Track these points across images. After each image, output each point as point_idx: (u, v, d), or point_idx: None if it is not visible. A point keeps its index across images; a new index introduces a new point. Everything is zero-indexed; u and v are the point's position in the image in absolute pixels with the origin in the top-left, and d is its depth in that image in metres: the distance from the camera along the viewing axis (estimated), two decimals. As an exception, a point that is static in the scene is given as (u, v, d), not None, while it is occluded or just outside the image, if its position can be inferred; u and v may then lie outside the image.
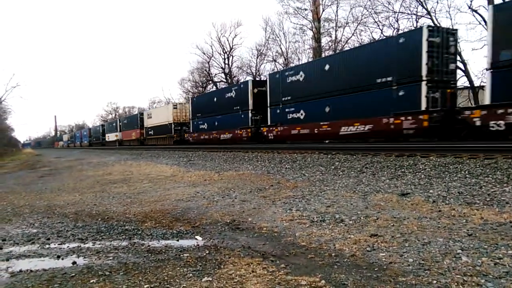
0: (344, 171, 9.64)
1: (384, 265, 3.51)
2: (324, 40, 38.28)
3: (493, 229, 4.32)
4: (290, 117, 21.22)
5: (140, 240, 4.88)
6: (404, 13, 27.14)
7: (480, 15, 23.25)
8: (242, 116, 25.23)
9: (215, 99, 29.31)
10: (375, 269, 3.42)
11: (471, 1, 23.53)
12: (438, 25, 21.20)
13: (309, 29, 38.31)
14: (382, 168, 9.28)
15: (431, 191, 6.68)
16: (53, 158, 34.37)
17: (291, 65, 38.05)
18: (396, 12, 27.64)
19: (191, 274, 3.52)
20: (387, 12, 28.54)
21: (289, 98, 21.23)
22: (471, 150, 9.93)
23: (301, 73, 20.45)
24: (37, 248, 4.74)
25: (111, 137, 52.97)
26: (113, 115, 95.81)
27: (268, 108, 22.95)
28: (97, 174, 15.07)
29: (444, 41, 14.47)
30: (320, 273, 3.40)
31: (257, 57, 45.79)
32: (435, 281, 3.06)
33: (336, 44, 36.23)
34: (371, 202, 6.22)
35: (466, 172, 7.75)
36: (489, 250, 3.65)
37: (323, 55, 34.89)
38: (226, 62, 49.29)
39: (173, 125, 35.80)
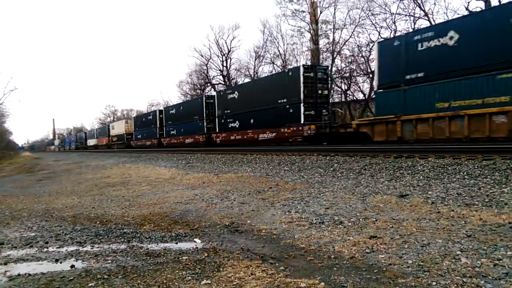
0: (343, 173, 9.64)
1: (383, 267, 3.50)
2: (322, 42, 38.36)
3: (492, 230, 4.32)
4: (230, 126, 26.56)
5: (139, 243, 4.86)
6: (402, 14, 27.25)
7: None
8: (200, 124, 30.46)
9: (181, 108, 35.11)
10: (375, 271, 3.42)
11: (468, 3, 23.58)
12: (311, 63, 26.32)
13: (307, 31, 38.41)
14: (380, 170, 9.28)
15: (430, 192, 6.68)
16: (51, 161, 34.30)
17: (289, 66, 38.20)
18: (394, 14, 27.75)
19: (190, 277, 3.51)
20: (385, 14, 28.66)
21: (229, 111, 26.69)
22: (469, 151, 9.94)
23: (236, 92, 26.24)
24: (35, 252, 4.72)
25: (91, 142, 65.45)
26: (111, 118, 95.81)
27: (216, 119, 28.18)
28: (96, 177, 15.04)
29: (316, 75, 20.11)
30: (319, 275, 3.39)
31: (255, 59, 45.87)
32: (434, 283, 3.06)
33: (334, 46, 36.31)
34: (370, 203, 6.22)
35: (465, 173, 7.75)
36: (488, 251, 3.65)
37: (320, 57, 34.96)
38: (224, 64, 49.36)
39: (125, 135, 48.05)
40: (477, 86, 12.31)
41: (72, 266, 4.03)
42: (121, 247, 4.71)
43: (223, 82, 48.91)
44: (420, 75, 14.09)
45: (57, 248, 4.85)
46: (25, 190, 12.12)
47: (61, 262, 4.23)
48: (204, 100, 30.23)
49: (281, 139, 21.53)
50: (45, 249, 4.81)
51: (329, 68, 24.40)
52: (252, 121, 24.07)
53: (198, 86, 52.12)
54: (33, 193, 11.10)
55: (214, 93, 32.70)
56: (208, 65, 50.21)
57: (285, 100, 20.98)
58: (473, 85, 12.40)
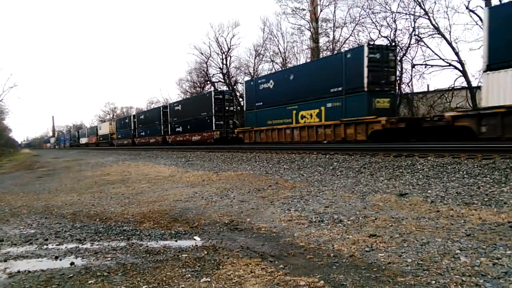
0: (343, 172, 9.64)
1: (382, 266, 3.51)
2: (322, 41, 38.29)
3: (491, 229, 4.33)
4: (176, 130, 34.53)
5: (139, 241, 4.87)
6: (402, 13, 27.14)
7: (477, 15, 23.26)
8: (159, 127, 38.62)
9: (186, 104, 38.22)
10: (374, 270, 3.42)
11: (468, 2, 23.51)
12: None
13: (307, 29, 38.33)
14: (380, 169, 9.29)
15: (429, 191, 6.69)
16: (50, 159, 34.28)
17: (289, 65, 38.18)
18: (394, 13, 27.65)
19: (189, 275, 3.52)
20: (385, 12, 28.55)
21: (176, 119, 34.59)
22: (469, 150, 9.94)
23: (180, 105, 34.54)
24: (35, 249, 4.72)
25: (83, 140, 72.82)
26: (111, 115, 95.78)
27: (169, 124, 36.14)
28: (95, 175, 15.04)
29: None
30: (319, 274, 3.40)
31: (255, 57, 45.75)
32: (434, 281, 3.06)
33: (334, 44, 36.25)
34: (369, 202, 6.23)
35: (464, 172, 7.76)
36: (488, 250, 3.66)
37: (321, 55, 34.92)
38: (224, 62, 49.23)
39: (109, 135, 55.94)
40: (280, 112, 21.90)
41: (72, 263, 4.04)
42: (121, 245, 4.71)
43: (222, 80, 48.83)
44: (261, 103, 23.90)
45: (56, 245, 4.86)
46: (24, 187, 12.12)
47: (60, 259, 4.24)
48: (161, 110, 36.74)
49: (205, 141, 28.92)
50: (45, 246, 4.82)
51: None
52: (188, 127, 31.90)
53: (198, 84, 52.02)
54: (32, 190, 11.10)
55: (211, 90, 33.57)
56: (208, 63, 50.11)
57: (204, 113, 27.95)
58: (278, 112, 22.02)
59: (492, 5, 22.63)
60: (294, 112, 20.92)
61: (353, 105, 17.13)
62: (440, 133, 15.36)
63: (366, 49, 16.45)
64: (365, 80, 16.34)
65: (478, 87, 24.48)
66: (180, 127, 34.03)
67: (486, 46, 12.71)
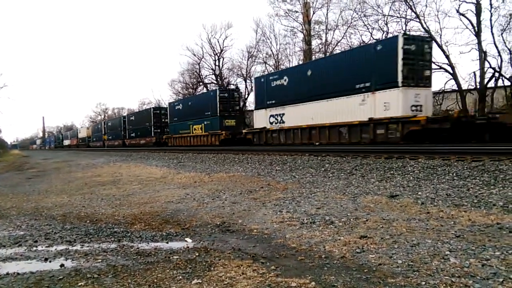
0: (334, 173, 9.68)
1: (373, 267, 3.52)
2: (315, 43, 38.46)
3: (480, 231, 4.37)
4: (131, 135, 44.55)
5: (129, 243, 4.84)
6: (394, 16, 27.37)
7: (467, 18, 23.55)
8: (121, 133, 48.56)
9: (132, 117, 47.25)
10: (365, 271, 3.44)
11: (459, 6, 23.76)
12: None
13: (300, 31, 38.48)
14: (371, 170, 9.34)
15: (419, 193, 6.74)
16: (40, 160, 33.94)
17: (282, 67, 38.27)
18: (386, 16, 27.87)
19: (181, 277, 3.50)
20: (377, 15, 28.76)
21: (131, 126, 44.67)
22: (459, 152, 10.04)
23: (133, 116, 44.12)
24: (24, 251, 4.67)
25: (66, 142, 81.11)
26: (102, 116, 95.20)
27: (127, 130, 45.85)
28: (86, 176, 14.92)
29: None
30: (310, 275, 3.41)
31: (248, 59, 45.78)
32: (424, 282, 3.09)
33: (326, 46, 36.42)
34: (360, 204, 6.26)
35: (454, 174, 7.83)
36: (477, 252, 3.69)
37: (313, 58, 35.03)
38: (217, 63, 49.22)
39: (86, 138, 64.77)
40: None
41: (62, 265, 4.00)
42: (111, 246, 4.68)
43: (215, 82, 48.76)
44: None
45: (46, 247, 4.81)
46: (14, 189, 11.99)
47: (50, 261, 4.19)
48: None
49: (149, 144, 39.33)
50: (34, 248, 4.77)
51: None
52: (137, 133, 43.44)
53: (190, 85, 51.90)
54: (22, 192, 10.97)
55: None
56: (200, 64, 50.07)
57: (148, 123, 38.53)
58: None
59: (483, 8, 22.98)
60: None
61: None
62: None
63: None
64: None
65: (469, 90, 24.80)
66: (133, 133, 44.84)
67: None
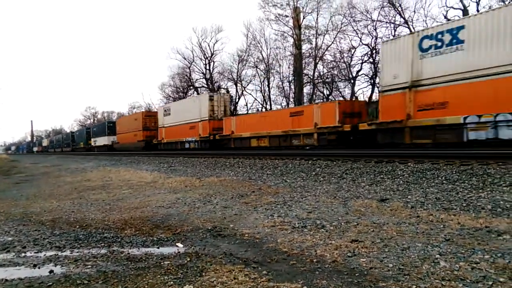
0: (325, 177, 9.72)
1: (364, 271, 3.54)
2: (305, 47, 38.72)
3: (469, 234, 4.42)
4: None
5: (120, 248, 4.79)
6: (383, 21, 27.71)
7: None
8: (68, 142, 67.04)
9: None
10: (356, 275, 3.46)
11: (446, 12, 24.16)
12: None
13: (290, 35, 38.70)
14: (361, 174, 9.40)
15: (409, 196, 6.80)
16: (29, 164, 33.49)
17: (272, 71, 38.38)
18: (375, 21, 28.20)
19: (172, 282, 3.48)
20: (366, 20, 29.09)
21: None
22: (447, 156, 10.16)
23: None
24: (12, 257, 4.60)
25: (34, 149, 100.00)
26: (92, 120, 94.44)
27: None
28: (75, 180, 14.76)
29: None
30: (301, 279, 3.41)
31: (238, 63, 45.89)
32: (414, 286, 3.11)
33: (316, 51, 36.65)
34: (351, 208, 6.29)
35: (443, 178, 7.92)
36: (466, 255, 3.74)
37: (303, 62, 35.22)
38: (207, 67, 49.23)
39: (47, 146, 79.75)
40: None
41: (51, 271, 3.94)
42: (102, 252, 4.63)
43: (206, 86, 48.74)
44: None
45: (35, 253, 4.74)
46: (1, 194, 11.81)
47: (39, 268, 4.13)
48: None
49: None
50: (23, 254, 4.69)
51: (311, 73, 22.61)
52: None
53: (181, 89, 51.82)
54: (10, 197, 10.82)
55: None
56: (191, 68, 50.06)
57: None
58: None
59: (469, 14, 23.32)
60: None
61: None
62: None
63: None
64: None
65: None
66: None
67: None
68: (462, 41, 13.49)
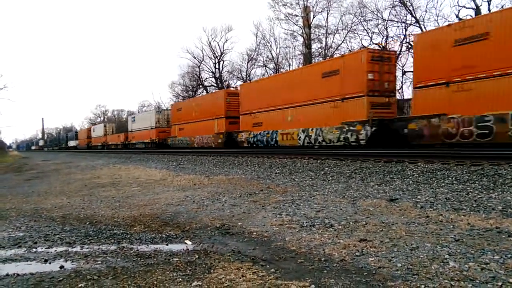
0: (334, 177, 9.69)
1: (373, 270, 3.53)
2: (315, 46, 38.62)
3: (479, 235, 4.39)
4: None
5: (129, 244, 4.84)
6: (394, 21, 27.50)
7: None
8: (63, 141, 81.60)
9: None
10: (364, 274, 3.45)
11: (458, 11, 23.90)
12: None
13: (300, 35, 38.65)
14: (371, 174, 9.36)
15: (419, 197, 6.75)
16: (39, 161, 33.90)
17: (282, 70, 38.33)
18: (386, 20, 28.01)
19: (180, 279, 3.51)
20: (377, 20, 28.90)
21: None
22: (458, 156, 10.07)
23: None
24: (23, 252, 4.67)
25: (32, 147, 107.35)
26: (102, 118, 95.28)
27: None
28: (85, 178, 14.91)
29: None
30: (309, 278, 3.42)
31: (248, 62, 46.02)
32: (423, 286, 3.10)
33: (326, 50, 36.53)
34: (360, 207, 6.27)
35: (453, 178, 7.85)
36: (476, 255, 3.71)
37: (313, 61, 35.11)
38: (217, 66, 49.38)
39: (43, 146, 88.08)
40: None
41: (62, 266, 4.00)
42: (111, 248, 4.68)
43: (215, 84, 48.87)
44: None
45: (46, 248, 4.81)
46: (13, 190, 11.97)
47: (50, 263, 4.19)
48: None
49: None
50: (34, 250, 4.76)
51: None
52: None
53: (190, 88, 52.04)
54: (21, 193, 10.97)
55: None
56: (200, 67, 50.23)
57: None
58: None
59: (482, 13, 23.07)
60: None
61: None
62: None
63: None
64: None
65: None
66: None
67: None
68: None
